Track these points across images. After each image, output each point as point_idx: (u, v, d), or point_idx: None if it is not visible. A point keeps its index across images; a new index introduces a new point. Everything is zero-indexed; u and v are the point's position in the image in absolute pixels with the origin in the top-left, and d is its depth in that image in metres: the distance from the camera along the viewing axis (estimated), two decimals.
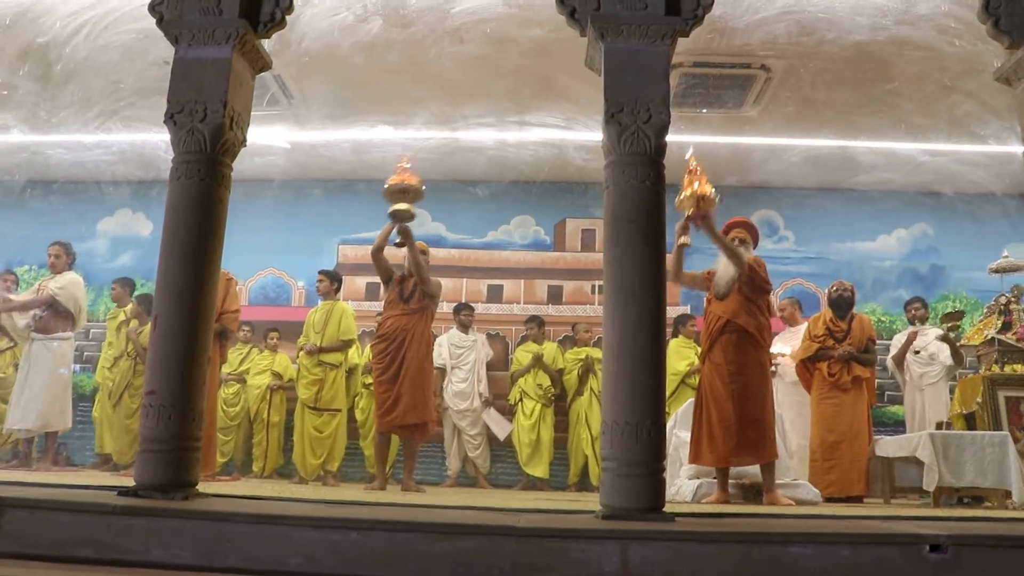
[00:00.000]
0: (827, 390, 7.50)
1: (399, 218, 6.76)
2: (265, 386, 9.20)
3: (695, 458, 6.14)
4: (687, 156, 5.96)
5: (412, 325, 7.01)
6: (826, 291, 8.25)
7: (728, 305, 6.07)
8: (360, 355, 9.18)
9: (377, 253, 7.09)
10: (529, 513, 3.88)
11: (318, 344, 8.24)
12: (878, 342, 8.00)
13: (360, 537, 3.01)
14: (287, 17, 4.41)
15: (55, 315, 8.03)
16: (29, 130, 9.26)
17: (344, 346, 8.36)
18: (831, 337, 7.62)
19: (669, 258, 5.98)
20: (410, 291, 7.11)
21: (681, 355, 9.07)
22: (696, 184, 5.73)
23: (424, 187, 6.73)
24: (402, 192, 6.65)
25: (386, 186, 6.69)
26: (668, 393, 8.40)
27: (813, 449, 7.53)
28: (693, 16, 4.10)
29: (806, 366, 7.71)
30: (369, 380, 8.46)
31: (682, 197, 5.76)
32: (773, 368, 7.52)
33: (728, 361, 5.98)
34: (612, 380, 3.72)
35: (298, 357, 8.43)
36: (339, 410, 8.44)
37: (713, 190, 5.77)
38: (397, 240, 6.87)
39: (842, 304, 7.67)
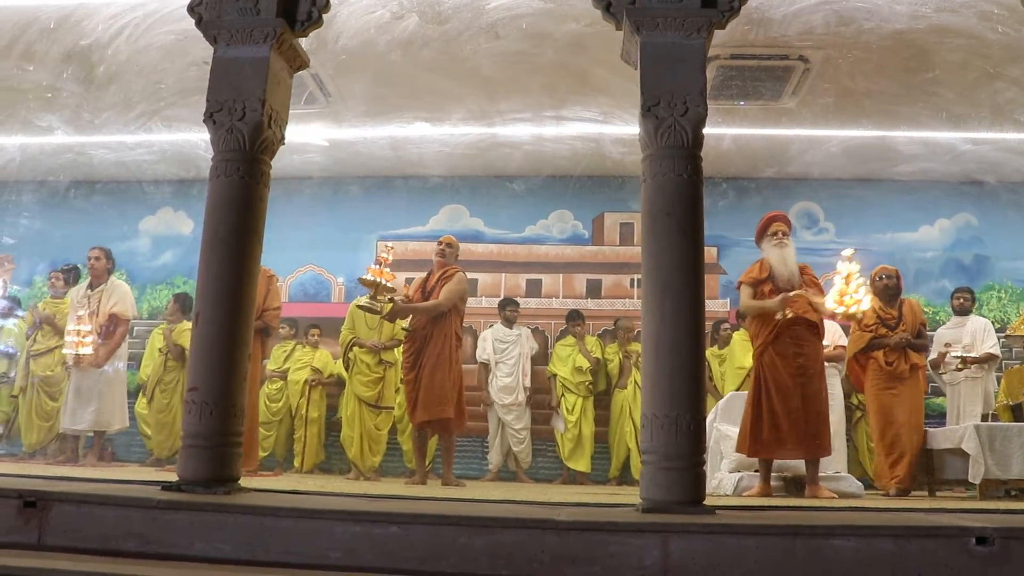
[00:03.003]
0: (885, 380, 7.06)
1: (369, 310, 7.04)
2: (303, 381, 9.28)
3: (753, 449, 6.02)
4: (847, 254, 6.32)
5: (433, 323, 6.97)
6: (869, 278, 8.07)
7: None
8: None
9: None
10: (569, 507, 3.90)
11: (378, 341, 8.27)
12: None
13: (400, 531, 3.03)
14: (324, 16, 4.45)
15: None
16: (73, 131, 9.39)
17: (399, 344, 8.28)
18: (883, 325, 7.19)
19: (754, 304, 6.18)
20: (431, 289, 7.09)
21: (746, 348, 8.74)
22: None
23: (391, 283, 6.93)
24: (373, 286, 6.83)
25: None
26: (735, 387, 8.31)
27: (875, 443, 7.25)
28: (729, 8, 4.07)
29: (857, 359, 7.28)
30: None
31: (807, 301, 6.05)
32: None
33: (797, 353, 5.99)
34: (651, 373, 3.72)
35: (348, 353, 8.33)
36: (392, 408, 8.52)
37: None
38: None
39: (888, 291, 7.33)
